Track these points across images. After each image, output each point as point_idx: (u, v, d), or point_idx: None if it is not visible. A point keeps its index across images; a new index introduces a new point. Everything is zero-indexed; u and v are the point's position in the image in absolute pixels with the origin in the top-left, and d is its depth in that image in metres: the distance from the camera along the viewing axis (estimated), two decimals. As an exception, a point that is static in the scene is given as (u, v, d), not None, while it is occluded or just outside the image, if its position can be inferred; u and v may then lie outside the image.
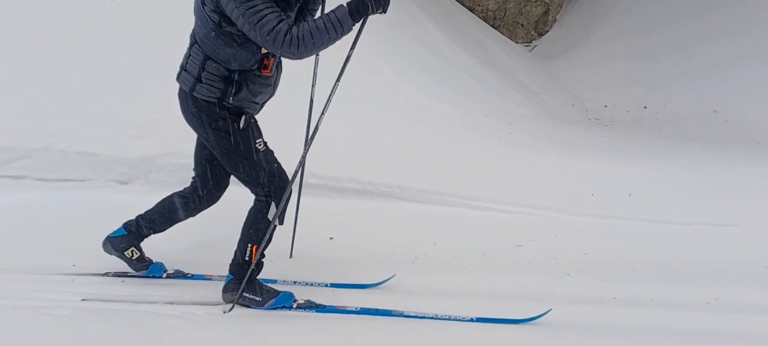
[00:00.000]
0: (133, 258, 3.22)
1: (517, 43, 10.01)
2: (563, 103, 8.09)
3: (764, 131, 6.91)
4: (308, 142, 3.16)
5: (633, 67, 8.82)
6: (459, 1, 9.42)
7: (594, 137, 6.51)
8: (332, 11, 2.71)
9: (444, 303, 3.14)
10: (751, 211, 4.62)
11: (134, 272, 3.27)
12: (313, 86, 3.43)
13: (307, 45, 2.67)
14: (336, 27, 2.67)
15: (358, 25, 2.80)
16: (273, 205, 2.95)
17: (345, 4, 2.70)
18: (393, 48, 6.33)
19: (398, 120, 5.38)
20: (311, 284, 3.34)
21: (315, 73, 3.40)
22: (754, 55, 8.04)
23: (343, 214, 4.28)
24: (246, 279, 2.97)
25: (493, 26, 9.73)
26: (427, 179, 4.70)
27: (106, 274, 3.29)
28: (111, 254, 3.22)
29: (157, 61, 4.18)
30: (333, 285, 3.36)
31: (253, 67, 2.86)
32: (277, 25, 2.64)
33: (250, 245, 2.98)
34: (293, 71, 3.99)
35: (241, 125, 2.90)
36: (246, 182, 3.00)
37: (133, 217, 3.22)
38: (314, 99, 3.45)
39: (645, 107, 8.09)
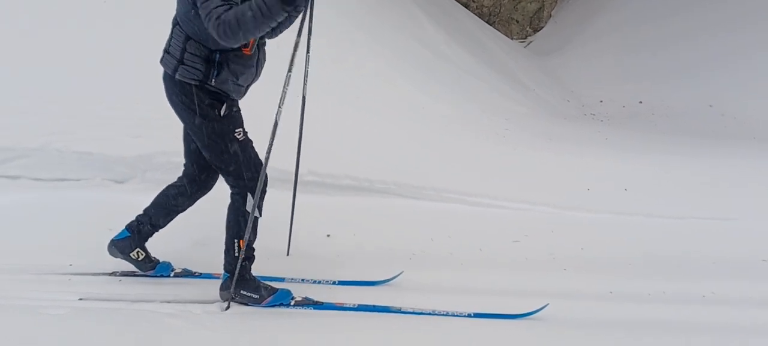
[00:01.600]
0: (139, 259, 3.22)
1: (512, 39, 10.02)
2: (559, 98, 8.10)
3: (761, 126, 6.93)
4: (272, 138, 3.05)
5: (628, 61, 8.83)
6: (454, -2, 9.44)
7: (590, 133, 6.53)
8: None
9: (442, 299, 3.15)
10: (748, 206, 4.64)
11: (142, 272, 3.27)
12: (304, 85, 3.43)
13: (233, 30, 2.62)
14: (262, 11, 2.60)
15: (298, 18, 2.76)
16: (249, 196, 2.93)
17: None
18: (389, 45, 6.33)
19: (395, 117, 5.39)
20: (318, 282, 3.34)
21: (306, 73, 3.40)
22: (751, 49, 8.06)
23: (340, 211, 4.29)
24: (237, 273, 2.95)
25: (488, 22, 9.73)
26: (424, 176, 4.71)
27: (113, 274, 3.28)
28: (116, 256, 3.21)
29: (154, 60, 4.16)
30: (340, 283, 3.35)
31: (235, 46, 2.81)
32: (214, 8, 2.62)
33: (235, 240, 2.98)
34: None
35: (222, 112, 2.89)
36: (222, 170, 2.98)
37: (134, 217, 3.21)
38: (306, 96, 3.45)
39: (640, 102, 8.10)
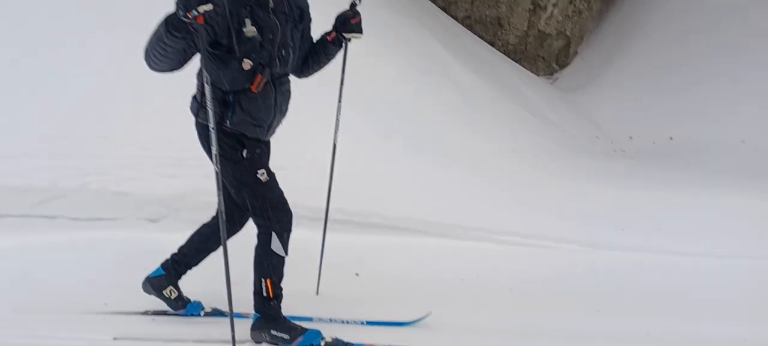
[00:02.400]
0: (172, 297, 3.24)
1: (538, 76, 10.02)
2: (587, 135, 8.04)
3: (796, 162, 6.78)
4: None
5: (658, 97, 8.75)
6: (479, 36, 9.48)
7: (620, 169, 6.46)
8: None
9: (472, 341, 3.11)
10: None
11: (173, 311, 3.29)
12: (335, 132, 3.47)
13: (144, 56, 2.70)
14: (156, 34, 2.61)
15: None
16: (274, 236, 2.94)
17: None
18: (415, 84, 6.38)
19: (422, 154, 5.40)
20: (347, 322, 3.32)
21: (337, 120, 3.45)
22: (784, 85, 7.92)
23: (368, 249, 4.28)
24: (264, 313, 2.96)
25: (514, 60, 9.76)
26: (453, 214, 4.69)
27: (145, 313, 3.32)
28: (150, 294, 3.25)
29: (185, 101, 4.27)
30: (369, 323, 3.33)
31: (245, 86, 2.85)
32: None
33: (263, 280, 2.98)
34: (316, 112, 4.07)
35: (245, 154, 2.92)
36: (247, 210, 3.01)
37: (169, 256, 3.25)
38: (337, 144, 3.49)
39: (671, 138, 7.99)
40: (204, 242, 3.22)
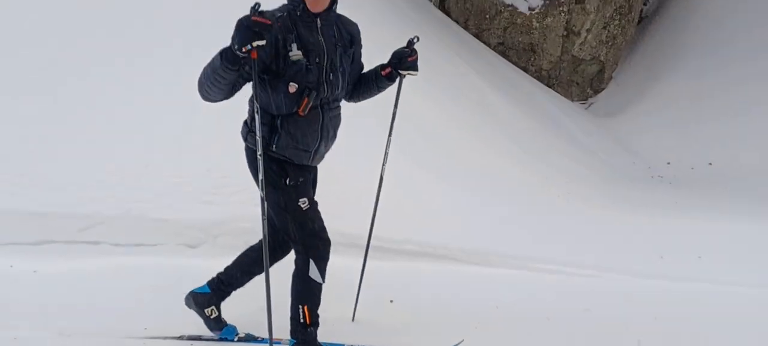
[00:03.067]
0: (211, 317, 3.28)
1: (573, 101, 9.94)
2: (624, 160, 7.93)
3: (842, 188, 6.56)
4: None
5: (696, 122, 8.58)
6: (513, 63, 9.48)
7: (658, 196, 6.34)
8: None
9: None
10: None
11: (209, 330, 3.33)
12: (383, 165, 3.51)
13: (197, 86, 2.79)
14: (211, 66, 2.70)
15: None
16: (312, 263, 2.98)
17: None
18: (449, 112, 6.40)
19: (456, 181, 5.39)
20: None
21: (386, 154, 3.49)
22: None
23: (401, 276, 4.28)
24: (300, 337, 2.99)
25: (547, 85, 9.71)
26: (487, 241, 4.67)
27: (180, 337, 3.37)
28: (191, 308, 3.30)
29: (225, 131, 4.36)
30: None
31: (292, 110, 2.90)
32: None
33: (300, 306, 3.02)
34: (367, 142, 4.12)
35: (288, 181, 2.97)
36: (287, 236, 3.06)
37: (215, 275, 3.30)
38: (384, 177, 3.52)
39: (710, 164, 7.83)
40: (251, 265, 3.27)
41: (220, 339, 3.35)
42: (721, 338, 3.65)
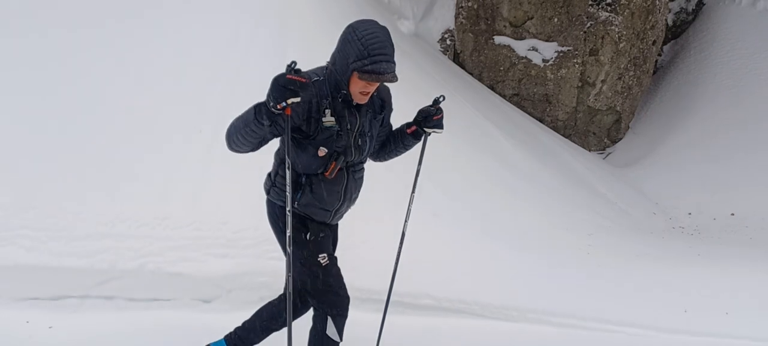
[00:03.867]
0: None
1: (590, 151, 9.90)
2: (644, 211, 7.82)
3: None
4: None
5: (716, 171, 8.48)
6: (528, 113, 9.50)
7: (680, 248, 6.21)
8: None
9: None
10: None
11: None
12: (405, 222, 3.49)
13: (226, 137, 2.81)
14: (242, 119, 2.74)
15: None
16: (330, 320, 2.95)
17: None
18: (465, 161, 6.39)
19: (473, 234, 5.33)
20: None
21: (409, 210, 3.47)
22: None
23: (419, 331, 4.20)
24: None
25: (563, 135, 9.70)
26: (505, 295, 4.58)
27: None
28: None
29: (241, 185, 4.39)
30: None
31: (319, 171, 2.91)
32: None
33: None
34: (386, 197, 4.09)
35: (309, 236, 2.96)
36: (306, 292, 3.02)
37: (232, 329, 3.26)
38: (406, 233, 3.50)
39: (732, 214, 7.70)
40: (269, 320, 3.22)
41: None
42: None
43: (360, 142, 2.98)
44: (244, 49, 5.59)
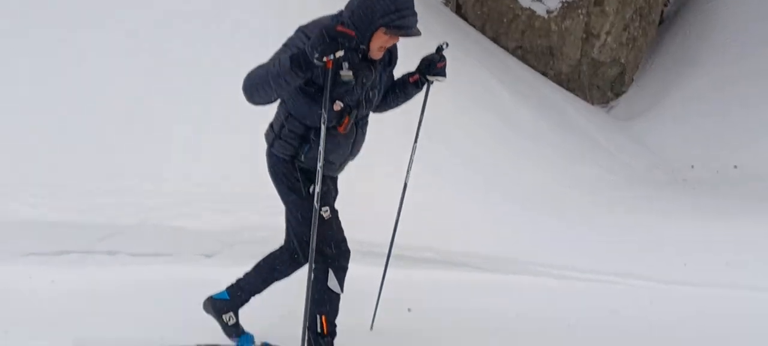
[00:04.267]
0: (229, 323, 3.25)
1: (593, 104, 9.83)
2: (647, 165, 7.80)
3: None
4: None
5: (720, 124, 8.43)
6: (531, 66, 9.40)
7: (682, 200, 6.22)
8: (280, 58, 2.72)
9: (531, 379, 3.01)
10: None
11: (226, 337, 3.29)
12: (408, 173, 3.48)
13: (245, 86, 2.76)
14: (272, 72, 2.68)
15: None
16: (331, 273, 2.96)
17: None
18: (467, 116, 6.35)
19: (475, 188, 5.34)
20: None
21: (411, 160, 3.45)
22: None
23: (420, 285, 4.24)
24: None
25: (567, 89, 9.62)
26: (507, 248, 4.61)
27: (197, 346, 3.35)
28: (209, 313, 3.28)
29: (241, 140, 4.37)
30: None
31: (331, 125, 2.88)
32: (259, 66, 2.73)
33: (318, 316, 2.99)
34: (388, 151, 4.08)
35: (311, 190, 2.94)
36: (307, 244, 3.00)
37: (234, 280, 3.27)
38: (408, 185, 3.48)
39: (735, 167, 7.67)
40: (270, 272, 3.23)
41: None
42: (752, 343, 3.54)
43: (370, 96, 2.97)
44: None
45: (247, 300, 3.27)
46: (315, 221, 2.81)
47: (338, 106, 2.84)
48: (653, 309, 4.02)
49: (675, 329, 3.78)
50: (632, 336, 3.70)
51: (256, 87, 2.76)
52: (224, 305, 3.25)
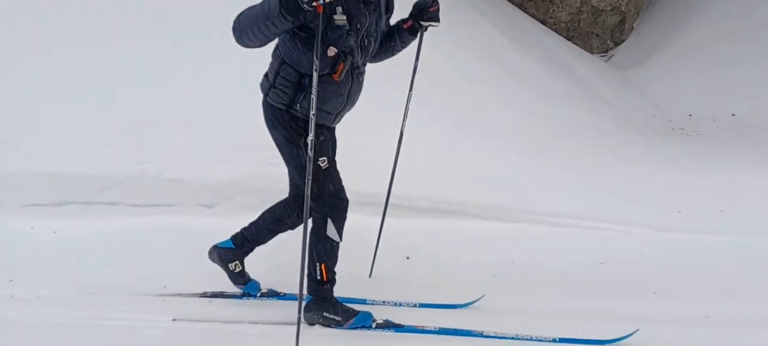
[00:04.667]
0: (235, 271, 3.31)
1: (592, 53, 9.75)
2: (644, 113, 7.78)
3: None
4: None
5: (719, 73, 8.37)
6: (530, 15, 9.28)
7: (679, 148, 6.23)
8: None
9: (525, 323, 3.08)
10: None
11: (233, 284, 3.36)
12: (403, 121, 3.48)
13: (234, 28, 2.73)
14: (264, 10, 2.63)
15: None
16: (330, 222, 2.98)
17: None
18: (465, 63, 6.31)
19: (472, 137, 5.34)
20: (399, 304, 3.34)
21: (406, 109, 3.45)
22: None
23: (418, 233, 4.28)
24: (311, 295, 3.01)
25: (566, 38, 9.53)
26: (503, 196, 4.64)
27: (203, 295, 3.41)
28: (214, 262, 3.33)
29: (239, 91, 4.35)
30: (421, 305, 3.35)
31: (325, 72, 2.85)
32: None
33: (318, 264, 3.03)
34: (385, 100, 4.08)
35: (308, 140, 2.95)
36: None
37: (239, 229, 3.31)
38: (404, 134, 3.49)
39: (733, 115, 7.66)
40: (275, 222, 3.26)
41: (243, 295, 3.37)
42: (740, 289, 3.61)
43: (366, 43, 2.94)
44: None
45: (251, 249, 3.32)
46: (309, 171, 2.80)
47: (332, 52, 2.82)
48: (647, 256, 4.07)
49: (668, 275, 3.84)
50: (626, 282, 3.76)
51: (245, 29, 2.73)
52: (229, 254, 3.29)
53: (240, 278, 3.33)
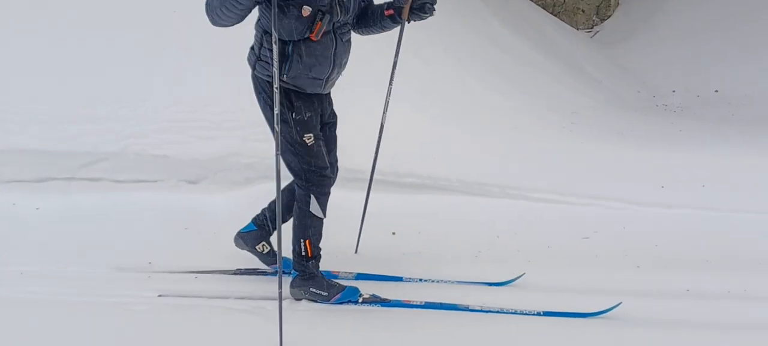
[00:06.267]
0: (264, 252, 3.28)
1: (578, 29, 9.76)
2: (629, 89, 7.82)
3: None
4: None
5: (703, 49, 8.43)
6: (517, -10, 9.27)
7: (662, 124, 6.27)
8: None
9: (509, 297, 3.12)
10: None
11: (265, 266, 3.34)
12: (384, 112, 3.46)
13: (207, 10, 2.69)
14: None
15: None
16: (313, 198, 2.98)
17: None
18: (451, 39, 6.28)
19: (458, 113, 5.34)
20: (384, 278, 3.35)
21: (387, 102, 3.44)
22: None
23: (403, 208, 4.29)
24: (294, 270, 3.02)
25: (552, 13, 9.53)
26: (488, 172, 4.65)
27: (192, 272, 3.38)
28: (243, 249, 3.31)
29: (224, 66, 4.32)
30: (407, 280, 3.36)
31: (305, 35, 2.80)
32: None
33: (302, 240, 3.04)
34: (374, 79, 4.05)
35: (294, 116, 2.92)
36: (290, 169, 3.03)
37: (260, 211, 3.28)
38: (384, 124, 3.49)
39: (716, 91, 7.72)
40: (292, 197, 3.18)
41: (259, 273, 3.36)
42: (721, 263, 3.67)
43: (345, 1, 2.88)
44: None
45: (275, 229, 3.28)
46: (278, 145, 2.74)
47: (306, 11, 2.74)
48: (630, 230, 4.12)
49: (651, 249, 3.89)
50: (609, 256, 3.80)
51: (214, 9, 2.68)
52: (254, 237, 3.27)
53: (270, 258, 3.29)
